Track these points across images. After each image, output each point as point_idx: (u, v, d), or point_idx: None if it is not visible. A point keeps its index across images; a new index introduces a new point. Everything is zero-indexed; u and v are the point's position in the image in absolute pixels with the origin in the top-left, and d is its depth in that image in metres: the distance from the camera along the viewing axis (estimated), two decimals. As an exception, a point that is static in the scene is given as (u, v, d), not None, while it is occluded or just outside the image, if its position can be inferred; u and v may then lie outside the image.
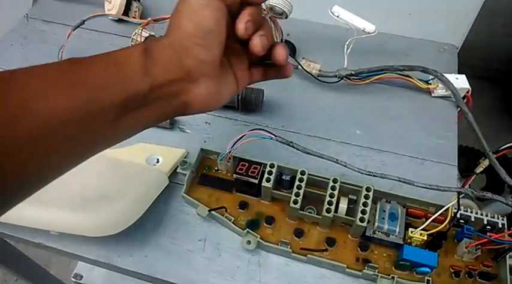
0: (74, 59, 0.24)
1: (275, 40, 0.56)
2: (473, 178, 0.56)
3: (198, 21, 0.27)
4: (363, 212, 0.38)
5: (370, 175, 0.40)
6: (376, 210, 0.39)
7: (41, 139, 0.21)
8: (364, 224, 0.37)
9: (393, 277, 0.37)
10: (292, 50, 0.57)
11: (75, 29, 0.55)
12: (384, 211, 0.39)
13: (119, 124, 0.25)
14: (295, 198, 0.39)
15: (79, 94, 0.22)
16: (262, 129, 0.41)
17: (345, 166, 0.41)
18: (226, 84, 0.31)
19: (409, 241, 0.38)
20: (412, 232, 0.38)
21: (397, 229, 0.38)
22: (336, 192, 0.39)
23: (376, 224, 0.39)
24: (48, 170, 0.23)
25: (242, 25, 0.28)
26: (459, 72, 0.54)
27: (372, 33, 0.49)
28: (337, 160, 0.41)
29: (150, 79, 0.25)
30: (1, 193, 0.20)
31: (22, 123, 0.20)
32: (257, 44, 0.29)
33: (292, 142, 0.42)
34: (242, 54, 0.32)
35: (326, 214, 0.38)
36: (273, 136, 0.41)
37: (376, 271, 0.37)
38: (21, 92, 0.21)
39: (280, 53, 0.31)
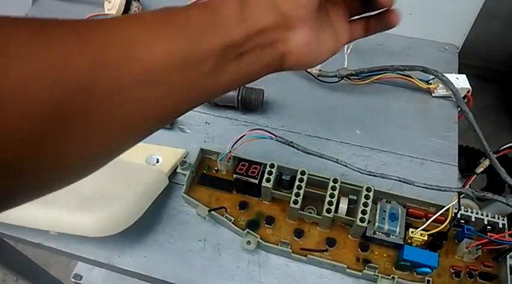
0: (168, 7, 0.23)
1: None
2: (473, 178, 0.56)
3: None
4: (363, 212, 0.37)
5: (371, 175, 0.40)
6: (376, 210, 0.39)
7: (141, 85, 0.20)
8: (365, 224, 0.37)
9: (393, 278, 0.37)
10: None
11: (75, 29, 0.55)
12: (384, 211, 0.39)
13: (217, 76, 0.24)
14: (295, 198, 0.39)
15: (179, 42, 0.21)
16: (262, 129, 0.41)
17: (345, 166, 0.41)
18: (325, 37, 0.29)
19: (409, 241, 0.38)
20: (412, 232, 0.38)
21: (398, 229, 0.38)
22: (336, 192, 0.39)
23: (377, 224, 0.38)
24: (145, 121, 0.22)
25: None
26: (459, 72, 0.54)
27: (372, 33, 0.48)
28: (337, 160, 0.41)
29: (246, 26, 0.24)
30: (107, 125, 0.20)
31: (124, 66, 0.19)
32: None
33: (292, 142, 0.42)
34: (341, 7, 0.30)
35: (326, 214, 0.38)
36: (273, 136, 0.41)
37: (377, 271, 0.37)
38: (124, 37, 0.20)
39: None
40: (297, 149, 0.42)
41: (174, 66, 0.21)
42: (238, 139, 0.40)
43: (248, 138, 0.40)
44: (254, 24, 0.25)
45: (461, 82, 0.51)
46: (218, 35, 0.23)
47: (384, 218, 0.39)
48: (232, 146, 0.41)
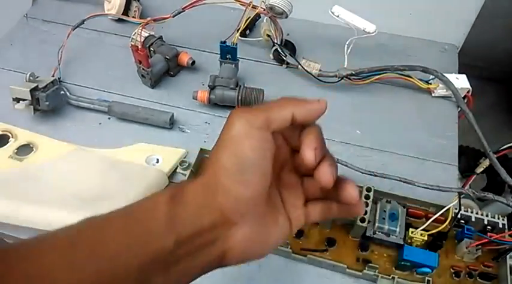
0: (90, 222, 0.22)
1: (275, 41, 0.56)
2: (473, 178, 0.56)
3: (237, 154, 0.23)
4: (364, 212, 0.37)
5: (371, 175, 0.40)
6: (376, 210, 0.39)
7: None
8: (365, 224, 0.37)
9: (393, 277, 0.37)
10: (292, 49, 0.57)
11: (74, 29, 0.55)
12: (385, 211, 0.39)
13: None
14: (295, 198, 0.39)
15: (88, 268, 0.20)
16: None
17: (346, 165, 0.41)
18: (275, 227, 0.26)
19: (409, 241, 0.38)
20: (412, 232, 0.38)
21: (398, 229, 0.38)
22: (336, 192, 0.39)
23: (377, 224, 0.38)
24: None
25: (311, 152, 0.23)
26: (459, 72, 0.54)
27: (372, 33, 0.49)
28: (337, 160, 0.41)
29: (176, 234, 0.22)
30: None
31: None
32: (327, 173, 0.23)
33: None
34: (297, 189, 0.27)
35: (326, 214, 0.38)
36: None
37: (377, 271, 0.37)
38: (25, 272, 0.19)
39: (351, 189, 0.24)
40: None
41: None
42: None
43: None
44: (186, 228, 0.22)
45: (461, 82, 0.51)
46: (140, 251, 0.21)
47: (384, 218, 0.39)
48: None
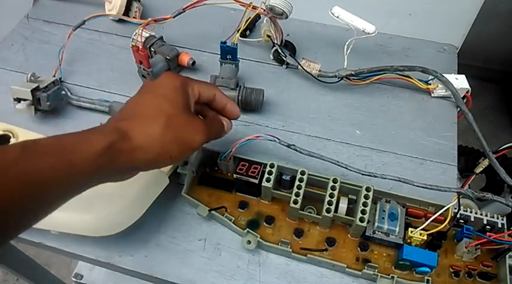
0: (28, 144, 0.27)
1: (275, 42, 0.56)
2: (473, 178, 0.56)
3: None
4: (363, 212, 0.38)
5: (370, 175, 0.41)
6: (376, 210, 0.39)
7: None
8: (364, 224, 0.37)
9: (393, 277, 0.37)
10: (292, 50, 0.57)
11: (75, 29, 0.55)
12: (384, 211, 0.39)
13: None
14: (295, 197, 0.39)
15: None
16: (269, 134, 0.41)
17: (346, 168, 0.41)
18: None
19: (408, 241, 0.38)
20: (411, 232, 0.38)
21: (397, 229, 0.38)
22: (336, 192, 0.39)
23: (376, 224, 0.39)
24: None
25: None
26: (459, 72, 0.54)
27: (372, 33, 0.49)
28: (337, 161, 0.41)
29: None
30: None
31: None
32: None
33: (294, 145, 0.42)
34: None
35: (326, 214, 0.38)
36: (276, 139, 0.41)
37: (376, 270, 0.37)
38: None
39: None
40: (300, 152, 0.42)
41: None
42: (243, 143, 0.41)
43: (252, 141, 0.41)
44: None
45: (460, 82, 0.51)
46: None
47: (383, 218, 0.39)
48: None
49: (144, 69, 0.52)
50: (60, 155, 0.27)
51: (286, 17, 0.52)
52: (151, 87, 0.35)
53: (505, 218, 0.39)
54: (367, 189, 0.39)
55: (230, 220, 0.41)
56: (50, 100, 0.49)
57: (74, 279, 0.91)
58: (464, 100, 0.51)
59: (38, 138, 0.29)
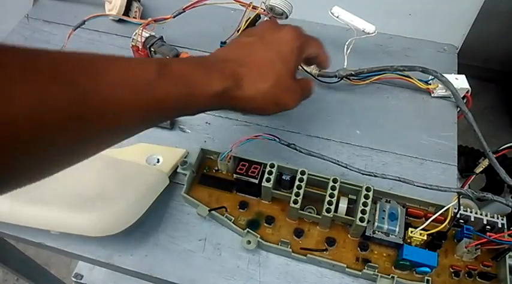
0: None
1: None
2: (473, 178, 0.56)
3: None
4: (363, 212, 0.38)
5: (370, 175, 0.41)
6: (375, 210, 0.39)
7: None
8: (364, 224, 0.37)
9: (393, 277, 0.37)
10: (292, 50, 0.57)
11: (75, 29, 0.55)
12: (384, 211, 0.39)
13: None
14: (295, 197, 0.39)
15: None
16: (269, 134, 0.41)
17: (346, 167, 0.41)
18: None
19: (408, 240, 0.38)
20: (411, 232, 0.38)
21: (397, 229, 0.38)
22: (335, 192, 0.39)
23: (376, 224, 0.39)
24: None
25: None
26: (459, 72, 0.54)
27: (372, 33, 0.49)
28: (337, 161, 0.41)
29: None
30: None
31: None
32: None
33: (294, 144, 0.42)
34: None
35: (326, 214, 0.38)
36: (276, 139, 0.41)
37: (376, 270, 0.37)
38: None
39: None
40: (300, 151, 0.42)
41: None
42: (243, 142, 0.41)
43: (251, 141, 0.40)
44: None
45: (460, 82, 0.51)
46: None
47: (383, 218, 0.39)
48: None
49: (144, 69, 0.52)
50: (187, 86, 0.29)
51: (286, 17, 0.52)
52: (271, 38, 0.36)
53: (505, 218, 0.39)
54: (367, 189, 0.39)
55: (230, 220, 0.41)
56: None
57: (74, 279, 0.91)
58: (464, 100, 0.51)
59: (169, 60, 0.31)
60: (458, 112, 0.52)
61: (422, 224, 0.38)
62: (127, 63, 0.27)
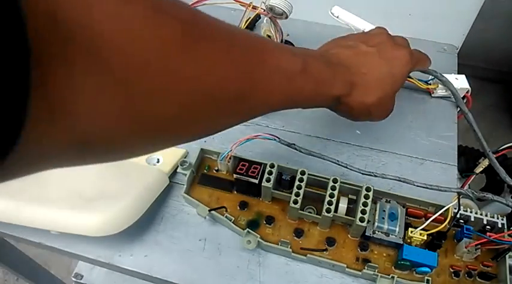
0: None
1: (276, 41, 0.56)
2: (472, 178, 0.56)
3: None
4: (363, 212, 0.38)
5: (370, 175, 0.41)
6: (375, 210, 0.39)
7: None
8: (364, 224, 0.37)
9: (393, 277, 0.37)
10: (292, 50, 0.57)
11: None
12: (384, 211, 0.39)
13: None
14: (295, 197, 0.39)
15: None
16: (269, 134, 0.41)
17: (345, 167, 0.41)
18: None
19: (408, 240, 0.38)
20: (411, 231, 0.38)
21: (397, 229, 0.38)
22: (335, 192, 0.39)
23: (376, 224, 0.39)
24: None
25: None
26: (459, 73, 0.54)
27: (372, 33, 0.49)
28: (337, 161, 0.41)
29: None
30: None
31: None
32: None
33: (294, 144, 0.42)
34: None
35: (326, 214, 0.38)
36: (276, 138, 0.41)
37: (376, 270, 0.37)
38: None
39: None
40: (300, 151, 0.42)
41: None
42: (243, 142, 0.41)
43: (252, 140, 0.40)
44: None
45: (460, 82, 0.51)
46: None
47: (383, 218, 0.39)
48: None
49: (144, 69, 0.51)
50: (317, 85, 0.31)
51: (286, 17, 0.52)
52: (389, 55, 0.38)
53: (505, 218, 0.39)
54: (367, 189, 0.39)
55: (230, 220, 0.41)
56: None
57: (74, 279, 0.91)
58: (464, 100, 0.51)
59: (308, 54, 0.32)
60: (458, 112, 0.52)
61: (422, 224, 0.38)
62: (280, 53, 0.28)
